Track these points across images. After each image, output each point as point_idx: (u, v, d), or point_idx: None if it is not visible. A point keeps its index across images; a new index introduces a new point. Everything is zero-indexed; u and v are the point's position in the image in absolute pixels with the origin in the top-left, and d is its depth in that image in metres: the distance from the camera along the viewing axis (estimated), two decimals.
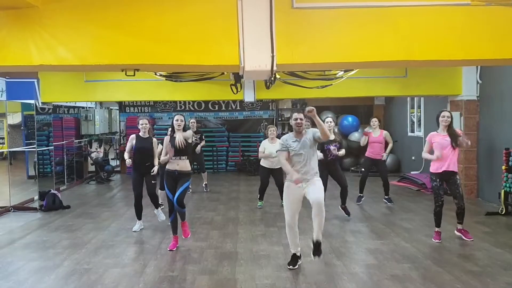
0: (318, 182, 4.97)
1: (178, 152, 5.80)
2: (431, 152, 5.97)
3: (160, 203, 8.18)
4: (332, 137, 7.36)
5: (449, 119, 5.95)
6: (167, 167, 5.92)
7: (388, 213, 7.87)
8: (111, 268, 5.13)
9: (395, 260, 5.28)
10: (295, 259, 5.07)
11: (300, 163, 4.95)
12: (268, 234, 6.51)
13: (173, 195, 5.81)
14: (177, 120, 5.88)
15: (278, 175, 8.12)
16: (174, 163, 5.82)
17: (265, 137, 8.63)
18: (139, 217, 6.87)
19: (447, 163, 5.88)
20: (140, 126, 6.77)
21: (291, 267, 5.02)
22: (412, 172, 11.35)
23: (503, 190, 7.54)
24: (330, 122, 7.51)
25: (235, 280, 4.74)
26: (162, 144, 8.02)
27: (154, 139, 6.87)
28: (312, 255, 4.79)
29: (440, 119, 5.99)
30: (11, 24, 4.02)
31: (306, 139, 5.04)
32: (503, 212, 7.46)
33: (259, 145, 8.77)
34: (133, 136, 6.86)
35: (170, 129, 8.00)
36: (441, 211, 6.00)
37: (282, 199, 8.14)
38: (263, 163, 8.30)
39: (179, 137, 5.75)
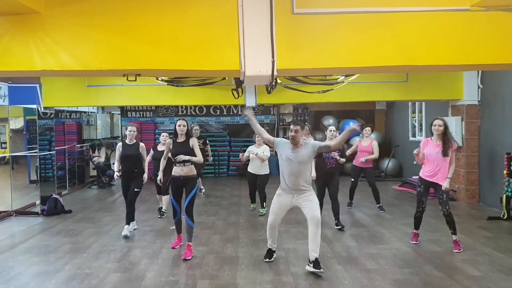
0: (313, 197, 5.15)
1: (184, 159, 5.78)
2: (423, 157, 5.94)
3: (164, 210, 8.16)
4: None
5: (441, 128, 5.69)
6: (172, 173, 5.84)
7: (388, 217, 7.85)
8: (112, 273, 5.14)
9: (396, 265, 5.27)
10: (271, 253, 5.51)
11: (292, 174, 5.05)
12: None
13: (177, 201, 5.81)
14: (179, 126, 5.81)
15: (261, 181, 8.28)
16: (178, 168, 5.77)
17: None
18: (132, 219, 6.98)
19: (433, 173, 5.78)
20: (127, 132, 6.76)
21: (267, 259, 5.44)
22: (413, 177, 11.31)
23: (504, 195, 7.53)
24: (334, 131, 7.34)
25: (236, 285, 4.73)
26: (153, 149, 8.05)
27: (141, 144, 6.80)
28: (315, 269, 4.96)
29: (432, 127, 5.79)
30: (14, 30, 4.06)
31: (303, 153, 5.05)
32: (504, 217, 7.45)
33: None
34: (119, 144, 6.90)
35: (163, 135, 7.97)
36: (421, 216, 6.09)
37: (262, 206, 8.31)
38: (249, 168, 8.41)
39: (181, 157, 5.69)
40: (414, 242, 6.16)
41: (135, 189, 6.70)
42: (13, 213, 8.39)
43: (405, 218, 7.71)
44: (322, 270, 4.94)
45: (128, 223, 6.86)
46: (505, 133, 8.07)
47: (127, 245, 6.31)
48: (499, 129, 8.31)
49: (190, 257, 5.60)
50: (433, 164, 5.78)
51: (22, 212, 8.59)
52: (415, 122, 12.35)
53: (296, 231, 6.88)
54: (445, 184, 5.70)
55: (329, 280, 4.82)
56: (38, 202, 9.07)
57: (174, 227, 7.11)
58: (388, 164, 12.96)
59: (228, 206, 9.13)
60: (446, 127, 5.74)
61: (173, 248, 6.04)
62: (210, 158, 10.28)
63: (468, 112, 9.04)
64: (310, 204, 5.06)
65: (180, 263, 5.45)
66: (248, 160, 8.42)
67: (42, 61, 4.08)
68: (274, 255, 5.53)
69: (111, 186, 12.30)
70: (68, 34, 4.08)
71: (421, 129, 11.91)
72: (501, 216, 7.50)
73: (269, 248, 5.52)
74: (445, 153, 5.67)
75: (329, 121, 13.96)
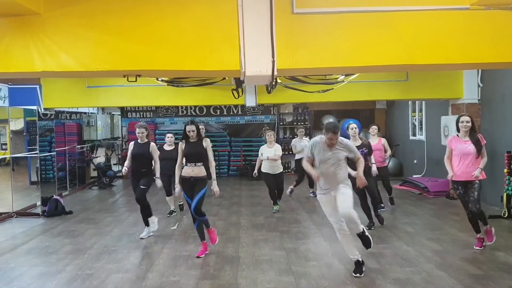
0: (344, 189, 4.80)
1: (194, 159, 5.70)
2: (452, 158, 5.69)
3: (172, 209, 8.17)
4: (358, 142, 6.85)
5: (469, 124, 5.57)
6: (182, 173, 5.78)
7: (390, 217, 7.84)
8: (114, 273, 5.14)
9: (397, 264, 5.27)
10: (359, 265, 4.89)
11: (328, 174, 4.81)
12: (270, 238, 6.50)
13: (191, 200, 5.68)
14: (189, 132, 5.69)
15: (280, 180, 8.25)
16: (189, 169, 5.71)
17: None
18: (146, 223, 6.72)
19: (467, 171, 5.53)
20: (137, 134, 6.67)
21: (357, 275, 4.82)
22: (414, 176, 11.33)
23: (505, 193, 7.53)
24: (355, 128, 6.97)
25: (237, 285, 4.73)
26: (159, 150, 7.98)
27: (152, 144, 6.66)
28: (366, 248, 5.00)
29: (460, 124, 5.65)
30: (14, 31, 4.07)
31: (338, 153, 4.80)
32: (505, 215, 7.44)
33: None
34: (132, 143, 6.84)
35: (168, 136, 7.94)
36: (473, 217, 5.67)
37: (276, 203, 8.29)
38: (263, 169, 8.32)
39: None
40: (478, 247, 5.72)
41: (142, 186, 6.52)
42: (14, 215, 8.39)
43: (406, 217, 7.72)
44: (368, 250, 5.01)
45: (146, 224, 6.70)
46: (505, 132, 8.07)
47: (128, 246, 6.31)
48: (499, 128, 8.31)
49: (216, 241, 5.90)
50: (464, 162, 5.57)
51: (23, 214, 8.60)
52: (415, 121, 12.35)
53: (296, 231, 6.89)
54: (476, 173, 5.45)
55: (330, 280, 4.82)
56: (38, 203, 9.06)
57: (175, 227, 7.15)
58: (388, 163, 12.94)
59: (228, 206, 9.13)
60: (473, 123, 5.64)
61: (198, 257, 5.67)
62: None
63: (468, 110, 9.00)
64: (341, 197, 4.73)
65: (181, 264, 5.45)
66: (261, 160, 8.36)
67: (42, 62, 4.09)
68: (364, 268, 4.91)
69: (112, 187, 12.31)
70: (68, 35, 4.08)
71: (421, 128, 11.91)
72: (502, 214, 7.49)
73: (356, 260, 4.89)
74: (479, 150, 5.51)
75: (329, 120, 13.96)
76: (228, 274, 5.06)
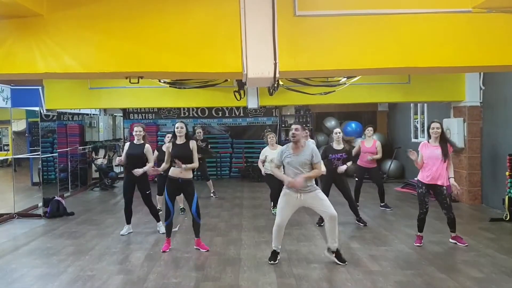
0: (321, 195, 5.31)
1: (183, 161, 5.82)
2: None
3: (159, 208, 8.18)
4: (340, 147, 7.28)
5: (439, 130, 5.88)
6: (169, 174, 5.99)
7: (391, 219, 7.84)
8: (115, 275, 5.14)
9: (399, 267, 5.26)
10: (275, 254, 5.50)
11: (295, 175, 5.17)
12: (271, 240, 6.47)
13: (172, 202, 5.98)
14: (177, 128, 5.99)
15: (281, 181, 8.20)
16: (177, 170, 5.90)
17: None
18: (128, 221, 7.01)
19: (434, 175, 5.85)
20: (134, 133, 6.79)
21: (272, 262, 5.42)
22: (415, 179, 11.29)
23: (507, 196, 7.51)
24: (339, 132, 7.34)
25: (238, 287, 4.73)
26: (158, 150, 8.04)
27: (147, 145, 6.75)
28: (339, 263, 5.31)
29: (430, 131, 5.94)
30: (17, 33, 4.09)
31: (304, 154, 5.19)
32: (507, 218, 7.42)
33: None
34: (127, 143, 6.94)
35: (168, 136, 7.98)
36: (425, 218, 6.07)
37: (274, 206, 8.21)
38: (267, 170, 8.25)
39: (185, 166, 5.84)
40: (418, 244, 6.08)
41: (146, 192, 6.81)
42: (15, 216, 8.41)
43: (408, 220, 7.70)
44: (345, 262, 5.30)
45: (128, 222, 7.01)
46: (507, 134, 8.06)
47: (130, 247, 6.32)
48: (501, 130, 8.30)
49: (208, 249, 6.00)
50: (433, 167, 5.86)
51: (25, 215, 8.60)
52: (417, 123, 12.34)
53: (298, 233, 6.88)
54: (452, 182, 5.88)
55: (331, 282, 4.82)
56: (40, 204, 9.08)
57: (176, 229, 7.13)
58: (390, 165, 12.95)
59: (230, 208, 9.13)
60: (443, 130, 5.97)
61: (163, 251, 5.95)
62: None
63: (470, 113, 9.03)
64: (322, 203, 5.25)
65: (183, 265, 5.45)
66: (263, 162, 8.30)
67: (45, 64, 4.10)
68: (279, 257, 5.51)
69: (113, 188, 12.32)
70: (71, 36, 4.10)
71: (423, 131, 11.90)
72: (504, 217, 7.48)
73: (274, 250, 5.51)
74: (446, 156, 5.81)
75: (331, 122, 13.96)
76: (229, 276, 5.07)
